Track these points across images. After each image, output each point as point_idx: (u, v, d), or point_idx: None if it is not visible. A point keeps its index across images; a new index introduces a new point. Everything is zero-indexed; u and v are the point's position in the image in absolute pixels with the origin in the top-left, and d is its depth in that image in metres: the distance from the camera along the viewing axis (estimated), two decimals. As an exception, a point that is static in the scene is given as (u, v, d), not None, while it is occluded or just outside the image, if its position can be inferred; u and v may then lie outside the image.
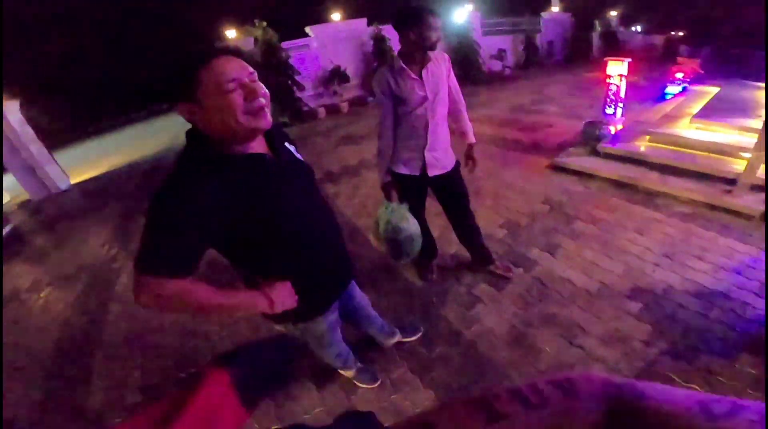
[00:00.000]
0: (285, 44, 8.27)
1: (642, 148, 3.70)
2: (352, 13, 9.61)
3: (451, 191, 2.09)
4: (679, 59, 7.14)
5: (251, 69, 0.86)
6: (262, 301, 0.96)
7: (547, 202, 3.20)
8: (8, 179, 7.64)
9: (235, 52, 0.85)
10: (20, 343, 2.76)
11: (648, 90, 6.55)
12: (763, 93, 5.38)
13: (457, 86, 1.95)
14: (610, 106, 4.38)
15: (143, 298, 0.81)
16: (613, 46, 13.37)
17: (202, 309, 0.89)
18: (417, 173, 1.91)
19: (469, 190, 2.14)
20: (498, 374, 1.78)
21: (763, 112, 4.07)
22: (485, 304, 2.18)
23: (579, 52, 13.46)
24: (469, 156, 2.10)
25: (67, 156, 10.76)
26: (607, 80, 4.31)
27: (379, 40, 9.08)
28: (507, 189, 3.55)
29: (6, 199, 8.00)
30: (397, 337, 1.93)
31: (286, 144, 1.06)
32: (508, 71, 11.38)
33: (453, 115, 2.00)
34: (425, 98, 1.76)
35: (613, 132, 4.10)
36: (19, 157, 7.12)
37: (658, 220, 2.75)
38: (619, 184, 3.34)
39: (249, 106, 0.82)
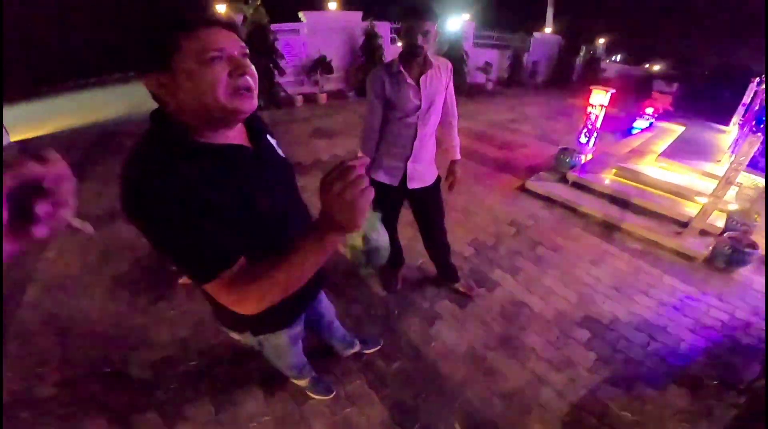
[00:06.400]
0: (274, 27, 8.19)
1: (607, 181, 4.06)
2: (348, 5, 9.64)
3: (428, 206, 2.13)
4: (654, 94, 7.69)
5: (244, 45, 0.78)
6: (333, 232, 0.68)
7: (513, 224, 3.44)
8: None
9: (230, 26, 0.77)
10: None
11: (621, 121, 7.08)
12: (724, 137, 6.04)
13: (454, 98, 1.94)
14: (585, 135, 4.61)
15: (229, 301, 0.76)
16: (594, 74, 14.26)
17: (294, 272, 0.72)
18: (396, 183, 1.92)
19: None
20: (454, 394, 1.91)
21: (721, 157, 4.61)
22: (446, 322, 2.33)
23: (561, 76, 14.19)
24: (452, 173, 2.10)
25: (15, 112, 9.97)
26: (588, 109, 4.48)
27: (370, 36, 9.17)
28: (478, 206, 3.77)
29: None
30: (356, 348, 1.99)
31: (268, 137, 0.99)
32: (490, 85, 11.80)
33: (443, 127, 2.00)
34: (418, 107, 1.74)
35: (583, 161, 4.40)
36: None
37: (612, 253, 3.06)
38: (581, 214, 3.66)
39: (233, 83, 0.74)
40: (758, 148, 2.91)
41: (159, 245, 0.73)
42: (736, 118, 6.66)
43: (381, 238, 1.79)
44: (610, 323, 2.36)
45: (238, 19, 7.78)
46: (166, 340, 2.23)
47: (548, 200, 3.91)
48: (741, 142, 4.04)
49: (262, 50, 7.82)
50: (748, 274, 2.86)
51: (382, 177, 1.92)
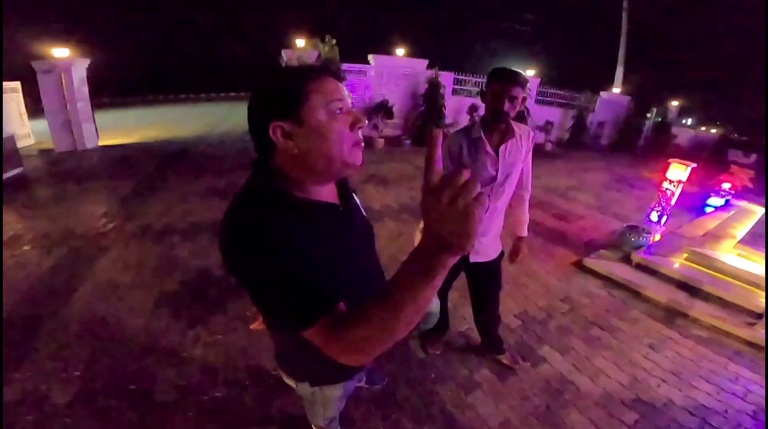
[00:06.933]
0: (344, 66, 8.86)
1: (677, 265, 3.79)
2: (416, 53, 10.31)
3: (487, 281, 2.13)
4: (733, 167, 7.05)
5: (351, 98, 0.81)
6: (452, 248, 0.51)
7: (566, 301, 3.36)
8: (41, 124, 8.09)
9: (340, 78, 0.82)
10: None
11: (692, 197, 6.47)
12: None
13: (530, 171, 1.88)
14: (657, 213, 4.35)
15: (333, 349, 0.68)
16: (663, 139, 13.29)
17: (400, 310, 0.58)
18: None
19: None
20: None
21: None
22: (484, 392, 2.31)
23: (627, 140, 13.38)
24: (517, 250, 2.07)
25: (107, 118, 11.51)
26: (664, 184, 4.20)
27: (433, 85, 9.59)
28: (529, 278, 3.72)
29: (30, 142, 8.44)
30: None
31: (354, 197, 1.02)
32: (549, 146, 11.45)
33: (513, 200, 1.95)
34: (494, 178, 1.68)
35: (651, 241, 4.14)
36: (63, 110, 7.75)
37: (674, 339, 2.92)
38: (643, 298, 3.50)
39: (353, 136, 0.78)
40: None
41: (260, 290, 0.74)
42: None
43: (433, 305, 1.88)
44: (663, 406, 2.26)
45: (314, 55, 8.64)
46: (197, 365, 2.31)
47: (608, 280, 3.77)
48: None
49: (328, 88, 8.69)
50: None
51: None
